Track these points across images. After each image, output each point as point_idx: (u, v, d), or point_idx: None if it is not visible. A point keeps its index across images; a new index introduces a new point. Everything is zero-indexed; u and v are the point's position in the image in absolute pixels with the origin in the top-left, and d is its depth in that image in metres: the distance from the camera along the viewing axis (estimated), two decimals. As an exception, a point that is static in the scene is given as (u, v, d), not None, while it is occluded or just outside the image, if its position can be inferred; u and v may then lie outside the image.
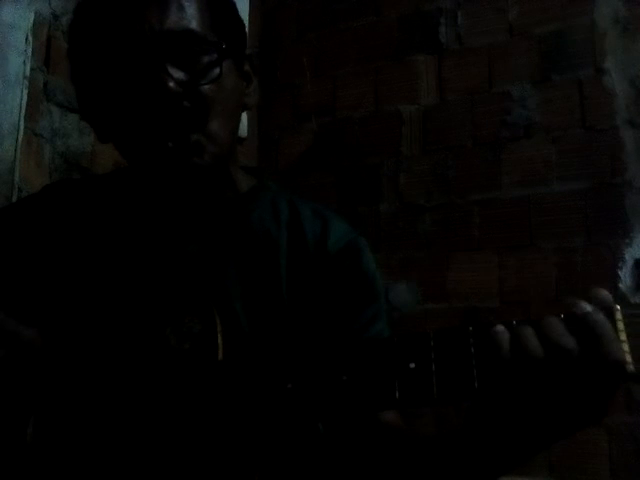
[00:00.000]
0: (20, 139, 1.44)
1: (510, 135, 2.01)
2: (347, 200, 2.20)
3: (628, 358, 0.52)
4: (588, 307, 0.55)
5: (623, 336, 0.53)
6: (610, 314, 0.54)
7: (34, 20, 1.50)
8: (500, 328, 0.55)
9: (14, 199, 1.40)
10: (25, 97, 1.46)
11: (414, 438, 0.74)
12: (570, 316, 0.55)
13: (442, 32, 2.17)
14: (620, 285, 1.79)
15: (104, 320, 0.68)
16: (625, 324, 0.53)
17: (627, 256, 1.81)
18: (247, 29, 0.86)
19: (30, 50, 1.49)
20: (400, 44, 2.23)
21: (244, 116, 0.88)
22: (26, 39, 1.48)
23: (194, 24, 0.74)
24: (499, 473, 0.64)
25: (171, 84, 0.70)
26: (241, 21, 0.84)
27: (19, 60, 1.46)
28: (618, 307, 0.54)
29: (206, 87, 0.73)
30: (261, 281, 0.79)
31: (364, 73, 2.26)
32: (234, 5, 0.83)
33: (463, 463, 0.65)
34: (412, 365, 0.55)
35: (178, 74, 0.72)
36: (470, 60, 2.11)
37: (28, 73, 1.48)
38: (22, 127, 1.45)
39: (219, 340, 0.63)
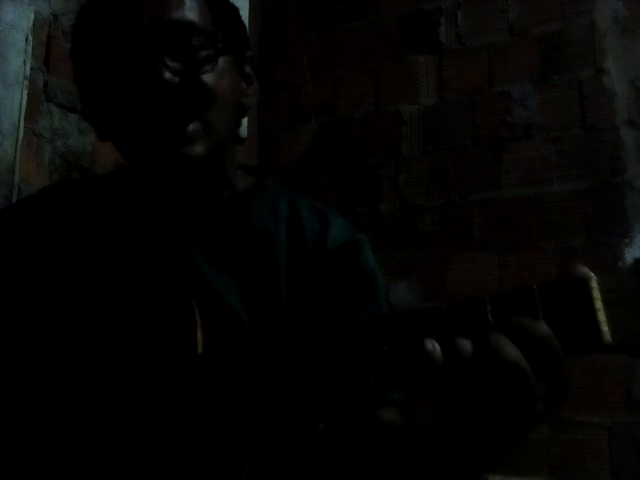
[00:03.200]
0: (20, 139, 1.45)
1: (510, 135, 2.01)
2: (347, 200, 2.20)
3: (604, 327, 0.52)
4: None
5: (599, 304, 0.52)
6: (585, 283, 0.53)
7: (34, 20, 1.50)
8: (462, 341, 0.54)
9: (14, 199, 1.40)
10: (25, 97, 1.46)
11: (411, 436, 0.74)
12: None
13: (442, 32, 2.17)
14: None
15: (92, 319, 0.69)
16: (601, 293, 0.53)
17: (627, 256, 1.81)
18: (247, 29, 0.87)
19: (30, 50, 1.49)
20: (400, 44, 2.23)
21: (244, 116, 0.88)
22: (26, 39, 1.48)
23: (193, 16, 0.75)
24: (489, 460, 0.64)
25: (167, 74, 0.71)
26: (242, 23, 0.85)
27: (19, 60, 1.46)
28: (593, 275, 0.54)
29: (203, 77, 0.74)
30: (259, 277, 0.79)
31: (364, 73, 2.26)
32: (235, 7, 0.84)
33: (451, 456, 0.64)
34: (386, 347, 0.55)
35: (174, 65, 0.72)
36: (470, 60, 2.11)
37: (28, 73, 1.48)
38: (22, 127, 1.45)
39: (199, 334, 0.64)
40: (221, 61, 0.75)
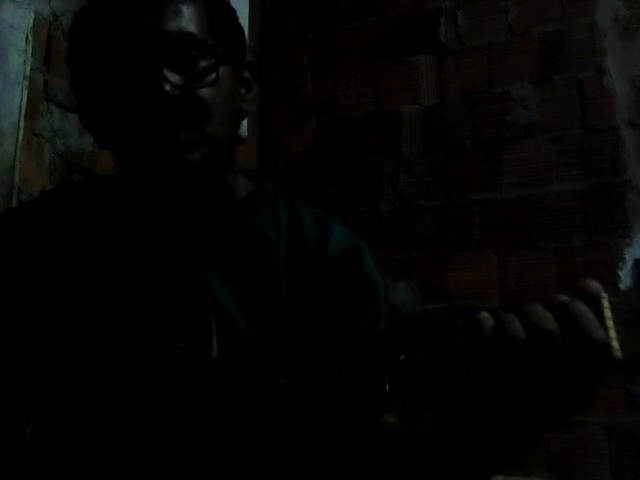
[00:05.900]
0: (20, 139, 1.45)
1: (510, 135, 2.01)
2: (347, 200, 2.20)
3: (615, 345, 0.52)
4: (565, 297, 0.56)
5: (610, 323, 0.53)
6: (597, 301, 0.54)
7: (34, 20, 1.51)
8: (484, 314, 0.57)
9: (14, 199, 1.40)
10: (25, 97, 1.46)
11: (414, 440, 0.74)
12: (551, 304, 0.56)
13: (442, 32, 2.17)
14: (620, 285, 1.80)
15: (103, 323, 0.69)
16: (612, 311, 0.53)
17: (627, 256, 1.81)
18: (247, 29, 0.86)
19: (30, 50, 1.49)
20: (400, 44, 2.23)
21: (243, 116, 0.87)
22: (26, 39, 1.48)
23: (191, 28, 0.74)
24: (496, 466, 0.65)
25: (167, 87, 0.70)
26: (240, 27, 0.84)
27: (19, 60, 1.46)
28: (605, 295, 0.55)
29: (203, 90, 0.73)
30: (260, 284, 0.79)
31: (364, 73, 2.26)
32: (234, 11, 0.83)
33: (461, 459, 0.65)
34: (402, 357, 0.56)
35: (174, 77, 0.72)
36: (470, 60, 2.11)
37: (28, 73, 1.48)
38: (22, 127, 1.46)
39: (214, 340, 0.64)
40: (221, 71, 0.75)
